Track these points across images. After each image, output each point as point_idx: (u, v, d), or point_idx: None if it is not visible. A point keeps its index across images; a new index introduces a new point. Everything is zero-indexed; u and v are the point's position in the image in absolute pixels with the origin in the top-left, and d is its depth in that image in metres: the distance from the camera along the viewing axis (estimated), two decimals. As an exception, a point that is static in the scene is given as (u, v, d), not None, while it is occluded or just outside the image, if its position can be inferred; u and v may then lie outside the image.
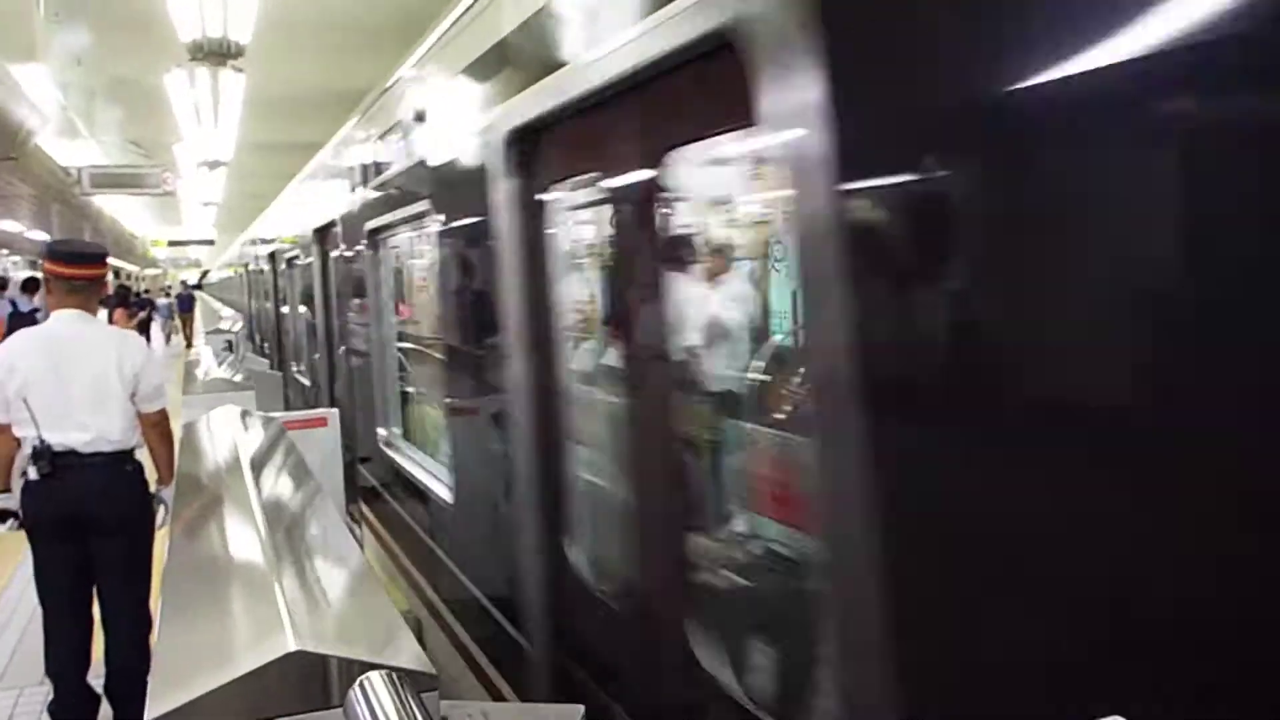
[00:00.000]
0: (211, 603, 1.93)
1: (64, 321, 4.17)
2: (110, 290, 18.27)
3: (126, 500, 4.23)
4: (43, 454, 4.01)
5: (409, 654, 1.63)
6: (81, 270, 4.24)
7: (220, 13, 8.25)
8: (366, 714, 1.44)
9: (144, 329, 17.10)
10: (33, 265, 18.35)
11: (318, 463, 4.68)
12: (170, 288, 38.85)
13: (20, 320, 12.93)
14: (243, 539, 2.29)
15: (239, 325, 16.42)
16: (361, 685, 1.45)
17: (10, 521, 4.20)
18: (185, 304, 29.62)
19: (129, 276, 39.24)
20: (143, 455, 4.32)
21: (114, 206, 18.78)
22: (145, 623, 4.34)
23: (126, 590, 4.26)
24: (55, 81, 11.08)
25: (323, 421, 5.68)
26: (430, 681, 1.56)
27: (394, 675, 1.48)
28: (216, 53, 8.82)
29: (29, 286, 12.64)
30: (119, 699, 4.30)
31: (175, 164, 16.05)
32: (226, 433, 4.12)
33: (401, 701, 1.43)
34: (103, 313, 10.99)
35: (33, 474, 4.05)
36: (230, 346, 12.30)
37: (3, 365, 4.08)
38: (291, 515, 2.75)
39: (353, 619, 1.90)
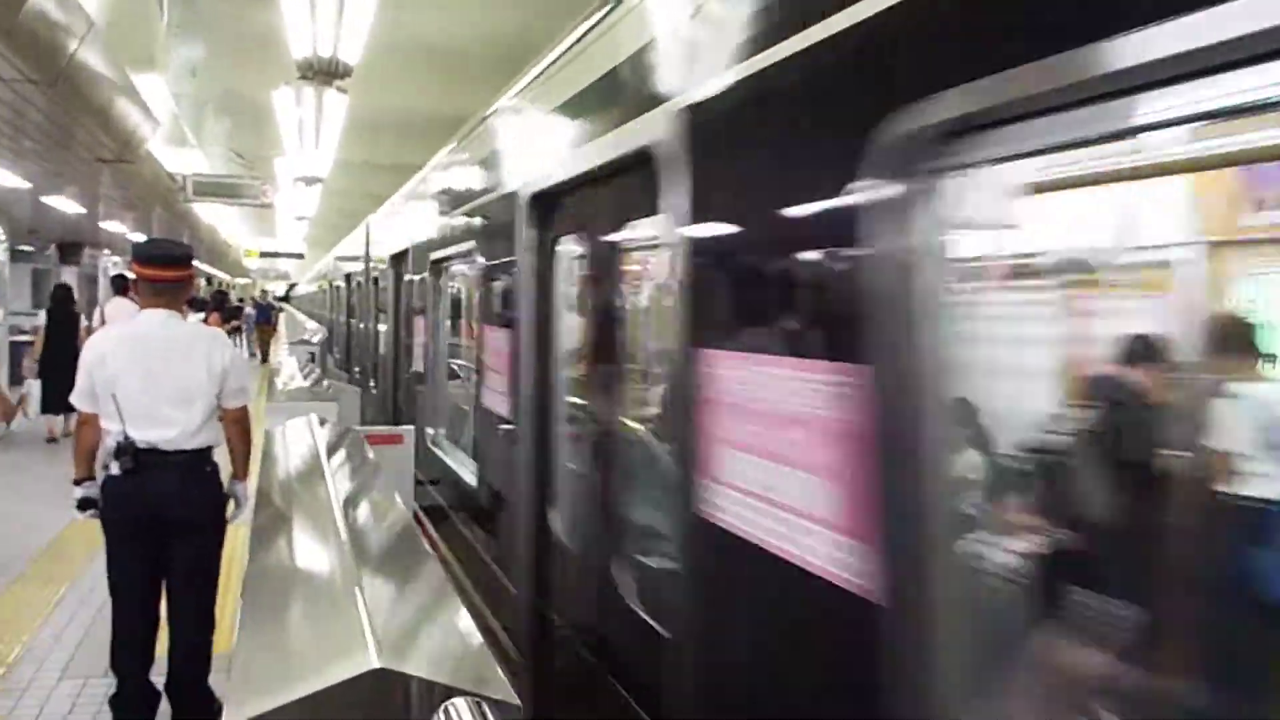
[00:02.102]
0: (292, 610, 1.88)
1: (153, 321, 4.22)
2: (199, 293, 18.89)
3: (203, 502, 4.25)
4: (126, 449, 4.05)
5: (494, 681, 1.56)
6: (168, 272, 4.29)
7: (332, 33, 8.48)
8: None
9: (233, 335, 17.57)
10: (130, 268, 18.96)
11: (393, 479, 4.68)
12: (256, 298, 37.53)
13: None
14: (324, 547, 2.25)
15: (320, 337, 16.77)
16: (446, 711, 1.38)
17: (92, 510, 4.25)
18: (263, 315, 26.54)
19: (221, 284, 40.30)
20: (218, 455, 4.35)
21: (211, 215, 19.36)
22: (209, 625, 4.36)
23: (193, 592, 4.27)
24: (171, 91, 11.51)
25: (399, 439, 5.72)
26: (515, 713, 1.49)
27: (480, 703, 1.41)
28: (325, 72, 9.05)
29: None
30: (178, 698, 4.31)
31: (274, 177, 16.54)
32: (307, 440, 4.12)
33: None
34: (196, 315, 11.46)
35: (114, 469, 4.08)
36: (314, 358, 12.54)
37: (94, 357, 4.15)
38: (371, 527, 2.71)
39: (436, 640, 1.83)
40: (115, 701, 4.32)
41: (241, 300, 32.51)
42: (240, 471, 4.48)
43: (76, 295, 17.94)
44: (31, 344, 11.98)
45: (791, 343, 1.72)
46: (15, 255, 13.24)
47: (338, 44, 8.70)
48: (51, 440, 11.40)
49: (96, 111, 7.41)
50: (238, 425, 4.38)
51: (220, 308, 15.34)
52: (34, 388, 11.27)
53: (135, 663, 4.28)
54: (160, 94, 10.25)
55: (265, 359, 23.52)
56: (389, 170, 16.80)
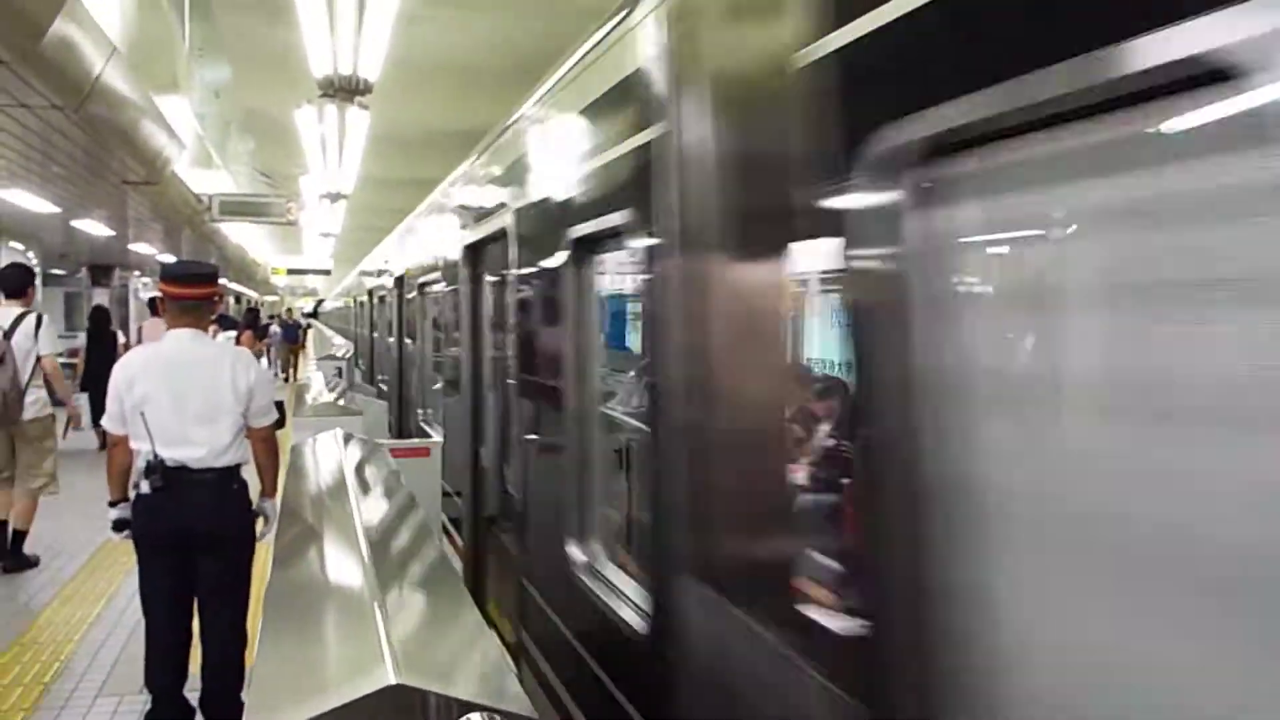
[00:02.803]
0: (312, 626, 1.89)
1: (179, 340, 4.28)
2: (229, 311, 19.09)
3: (232, 518, 4.30)
4: (155, 468, 4.10)
5: (510, 695, 1.56)
6: (193, 290, 4.34)
7: (352, 51, 8.55)
8: None
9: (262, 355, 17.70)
10: (158, 287, 19.20)
11: (418, 492, 4.69)
12: (281, 316, 35.23)
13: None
14: (345, 564, 2.26)
15: (346, 353, 16.90)
16: (462, 726, 1.38)
17: (127, 531, 4.30)
18: (290, 334, 25.91)
19: (251, 302, 40.63)
20: (247, 472, 4.39)
21: (239, 234, 19.57)
22: (241, 640, 4.40)
23: (225, 607, 4.32)
24: (195, 113, 11.67)
25: (425, 452, 5.74)
26: (531, 726, 1.48)
27: (496, 718, 1.40)
28: (346, 89, 9.12)
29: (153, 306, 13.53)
30: (211, 713, 4.35)
31: (300, 195, 16.69)
32: (333, 455, 4.14)
33: None
34: (227, 334, 11.79)
35: (145, 487, 4.14)
36: (340, 373, 12.63)
37: (123, 380, 4.20)
38: (394, 543, 2.72)
39: (454, 654, 1.83)
40: (150, 717, 4.37)
41: (271, 318, 32.38)
42: (269, 489, 4.53)
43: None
44: (71, 365, 12.49)
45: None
46: (47, 279, 13.48)
47: (357, 61, 8.77)
48: (103, 448, 11.92)
49: (122, 135, 7.51)
50: (265, 444, 4.42)
51: (253, 326, 15.60)
52: (83, 400, 11.68)
53: (168, 678, 4.33)
54: (184, 116, 10.39)
55: (290, 379, 23.03)
56: (410, 185, 16.93)
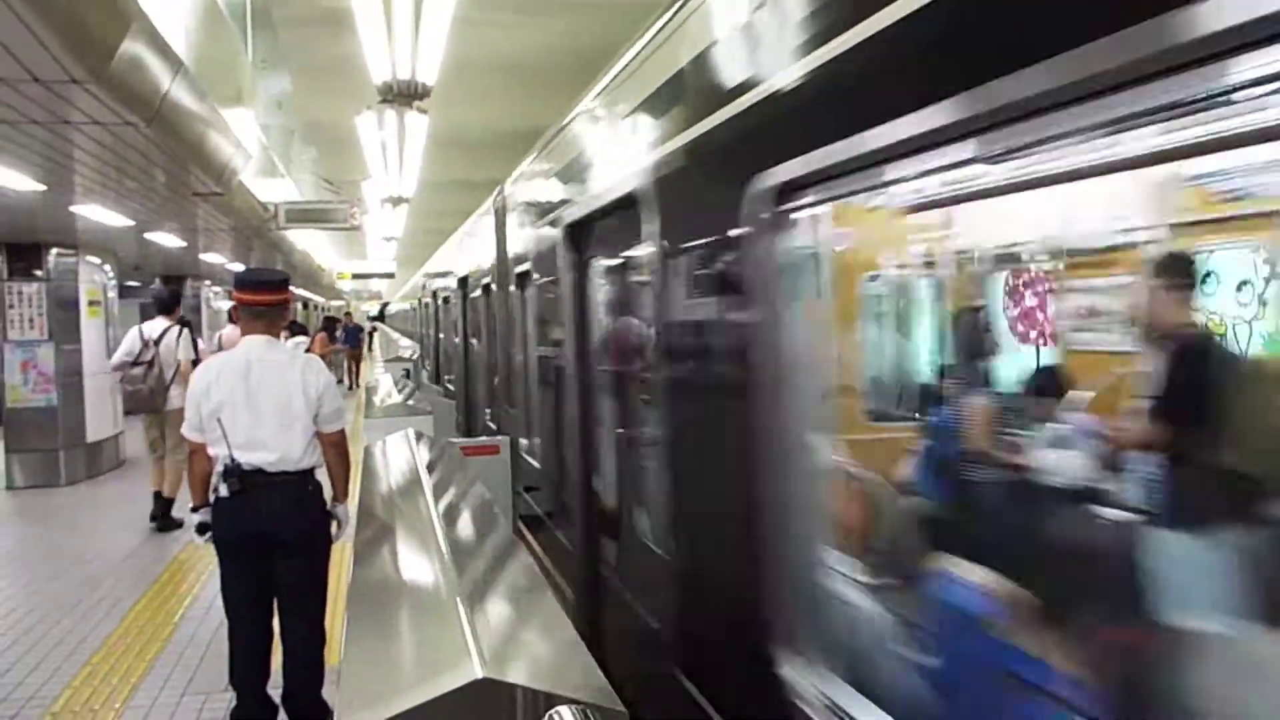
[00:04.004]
0: (397, 623, 1.91)
1: (252, 347, 4.37)
2: (296, 316, 19.48)
3: (308, 520, 4.38)
4: (233, 472, 4.20)
5: (597, 687, 1.55)
6: (264, 296, 4.44)
7: (409, 56, 8.66)
8: None
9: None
10: (230, 295, 19.62)
11: (490, 489, 4.73)
12: (342, 320, 34.35)
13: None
14: (425, 561, 2.28)
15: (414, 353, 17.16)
16: (551, 719, 1.38)
17: (208, 534, 4.41)
18: (351, 338, 24.93)
19: (316, 307, 41.34)
20: (320, 475, 4.46)
21: (305, 241, 19.93)
22: (320, 639, 4.48)
23: (304, 607, 4.40)
24: (259, 124, 11.90)
25: (495, 449, 5.79)
26: (619, 717, 1.48)
27: (586, 710, 1.40)
28: (405, 94, 9.23)
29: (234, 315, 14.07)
30: (294, 711, 4.44)
31: (362, 200, 16.95)
32: (405, 455, 4.19)
33: None
34: (297, 339, 12.10)
35: (223, 491, 4.24)
36: (408, 374, 12.81)
37: (200, 389, 4.31)
38: (470, 538, 2.74)
39: (538, 647, 1.84)
40: (236, 715, 4.48)
41: (339, 322, 32.37)
42: (341, 494, 4.59)
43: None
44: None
45: None
46: (123, 291, 13.92)
47: (415, 66, 8.88)
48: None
49: (191, 148, 7.68)
50: (335, 449, 4.48)
51: (329, 330, 16.71)
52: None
53: (251, 677, 4.43)
54: (250, 128, 10.60)
55: (354, 384, 22.61)
56: (470, 186, 17.09)
